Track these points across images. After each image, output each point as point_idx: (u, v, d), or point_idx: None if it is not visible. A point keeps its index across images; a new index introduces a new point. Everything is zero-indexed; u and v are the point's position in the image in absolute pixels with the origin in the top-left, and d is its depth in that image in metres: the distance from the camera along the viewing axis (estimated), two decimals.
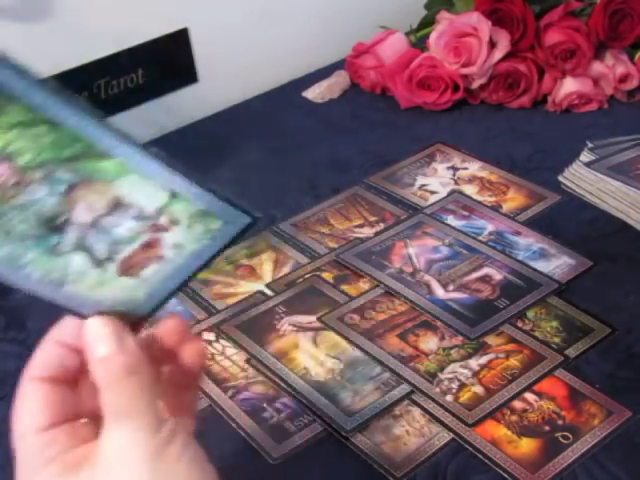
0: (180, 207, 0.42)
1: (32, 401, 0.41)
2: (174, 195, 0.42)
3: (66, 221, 0.40)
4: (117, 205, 0.41)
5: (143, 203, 0.41)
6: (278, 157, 0.96)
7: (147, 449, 0.39)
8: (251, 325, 0.71)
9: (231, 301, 0.74)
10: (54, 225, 0.40)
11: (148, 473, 0.38)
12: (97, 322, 0.41)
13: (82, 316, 0.42)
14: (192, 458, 0.40)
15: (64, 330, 0.43)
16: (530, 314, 0.69)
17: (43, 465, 0.40)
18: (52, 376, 0.42)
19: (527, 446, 0.58)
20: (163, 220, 0.42)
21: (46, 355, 0.43)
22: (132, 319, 0.43)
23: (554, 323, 0.68)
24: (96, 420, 0.42)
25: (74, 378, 0.43)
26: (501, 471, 0.56)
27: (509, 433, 0.59)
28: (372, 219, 0.83)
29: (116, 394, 0.40)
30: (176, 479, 0.39)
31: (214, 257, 0.44)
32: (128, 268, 0.42)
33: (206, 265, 0.44)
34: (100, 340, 0.41)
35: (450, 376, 0.64)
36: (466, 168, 0.90)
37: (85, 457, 0.40)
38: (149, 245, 0.42)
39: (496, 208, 0.83)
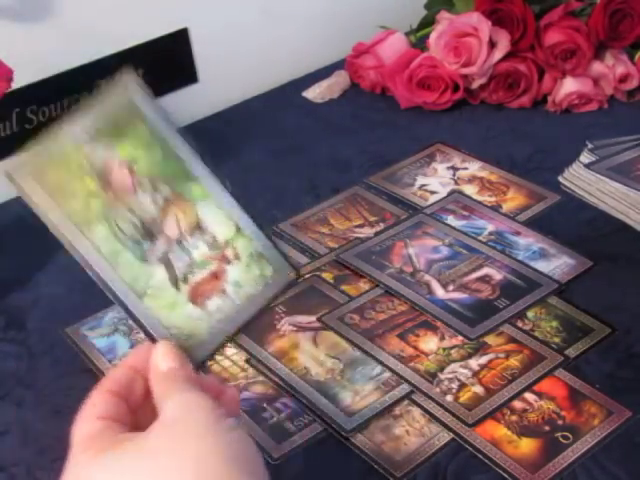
0: (243, 243, 0.49)
1: (98, 398, 0.46)
2: (239, 229, 0.49)
3: (159, 230, 0.47)
4: (197, 227, 0.47)
5: (216, 231, 0.48)
6: (278, 157, 0.96)
7: (210, 412, 0.42)
8: (251, 325, 0.71)
9: None
10: (150, 231, 0.47)
11: (212, 430, 0.41)
12: (165, 344, 0.46)
13: (153, 338, 0.46)
14: (246, 436, 0.43)
15: (137, 357, 0.48)
16: (530, 314, 0.69)
17: (93, 445, 0.43)
18: (118, 391, 0.46)
19: (527, 446, 0.58)
20: (229, 252, 0.48)
21: (119, 374, 0.47)
22: (191, 359, 0.47)
23: (554, 323, 0.68)
24: None
25: (137, 402, 0.47)
26: (501, 471, 0.56)
27: (509, 433, 0.59)
28: (372, 219, 0.83)
29: (178, 394, 0.44)
30: (232, 446, 0.41)
31: (262, 308, 0.50)
32: (197, 295, 0.47)
33: (254, 317, 0.50)
34: (165, 357, 0.45)
35: (450, 376, 0.64)
36: (466, 168, 0.90)
37: (130, 440, 0.42)
38: (215, 276, 0.48)
39: (496, 208, 0.83)
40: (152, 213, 0.47)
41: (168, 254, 0.47)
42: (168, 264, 0.47)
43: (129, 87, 0.48)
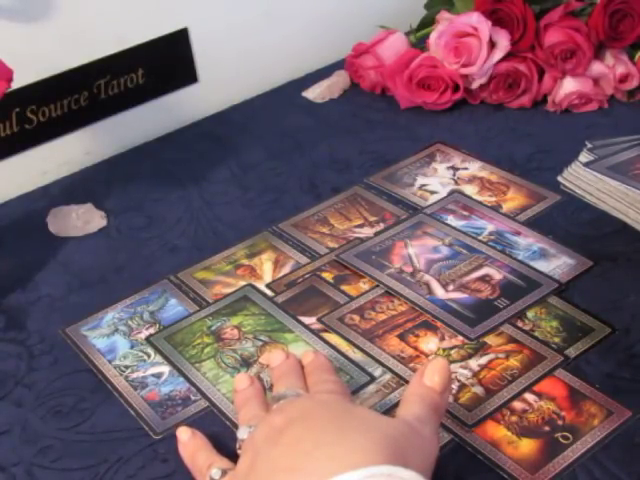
0: None
1: None
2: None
3: (255, 361, 0.66)
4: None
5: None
6: (278, 157, 0.96)
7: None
8: None
9: None
10: (248, 362, 0.66)
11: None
12: None
13: None
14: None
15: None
16: (530, 314, 0.69)
17: None
18: None
19: (527, 447, 0.58)
20: None
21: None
22: None
23: (554, 323, 0.68)
24: None
25: None
26: (501, 472, 0.56)
27: (509, 434, 0.59)
28: (372, 219, 0.83)
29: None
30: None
31: None
32: None
33: None
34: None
35: None
36: (466, 168, 0.90)
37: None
38: None
39: (496, 208, 0.83)
40: (251, 351, 0.67)
41: (260, 374, 0.65)
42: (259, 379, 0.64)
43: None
